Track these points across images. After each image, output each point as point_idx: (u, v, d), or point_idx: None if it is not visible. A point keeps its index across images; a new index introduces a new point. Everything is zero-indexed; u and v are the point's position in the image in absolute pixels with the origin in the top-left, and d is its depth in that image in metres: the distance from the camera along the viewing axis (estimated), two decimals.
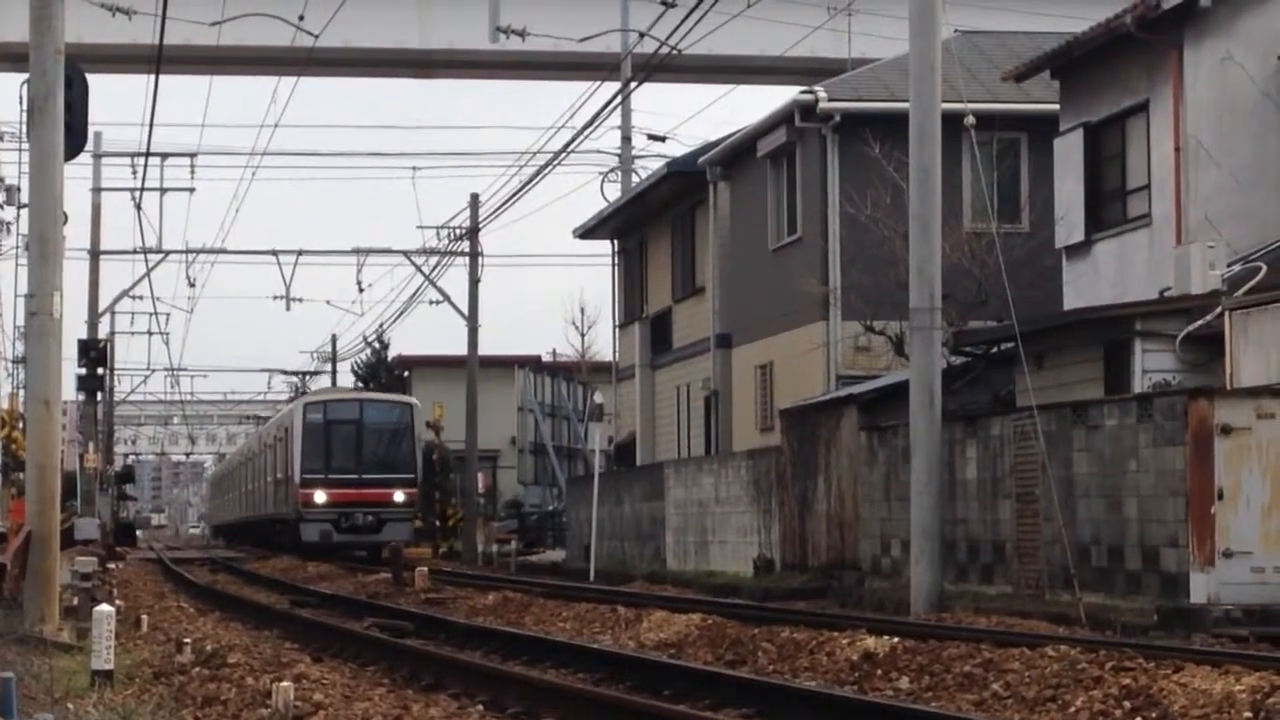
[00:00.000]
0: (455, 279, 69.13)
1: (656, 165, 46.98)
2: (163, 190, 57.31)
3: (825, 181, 34.99)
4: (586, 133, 35.71)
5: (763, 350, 38.33)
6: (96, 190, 61.39)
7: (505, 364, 68.84)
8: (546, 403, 69.25)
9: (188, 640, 18.18)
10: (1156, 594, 20.43)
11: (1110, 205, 29.63)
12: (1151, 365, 24.67)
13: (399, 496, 52.48)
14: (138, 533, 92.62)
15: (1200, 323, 24.35)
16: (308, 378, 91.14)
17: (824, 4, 42.56)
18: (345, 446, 53.11)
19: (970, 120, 24.49)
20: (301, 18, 30.91)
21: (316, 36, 32.30)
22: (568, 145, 38.08)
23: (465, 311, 56.05)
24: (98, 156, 59.95)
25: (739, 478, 34.94)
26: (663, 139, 52.39)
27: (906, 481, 24.57)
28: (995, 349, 28.38)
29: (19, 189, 48.66)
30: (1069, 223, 30.20)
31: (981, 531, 24.34)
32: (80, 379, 52.00)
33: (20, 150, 46.24)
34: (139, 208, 55.50)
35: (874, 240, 32.43)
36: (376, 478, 52.44)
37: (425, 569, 32.16)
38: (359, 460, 52.97)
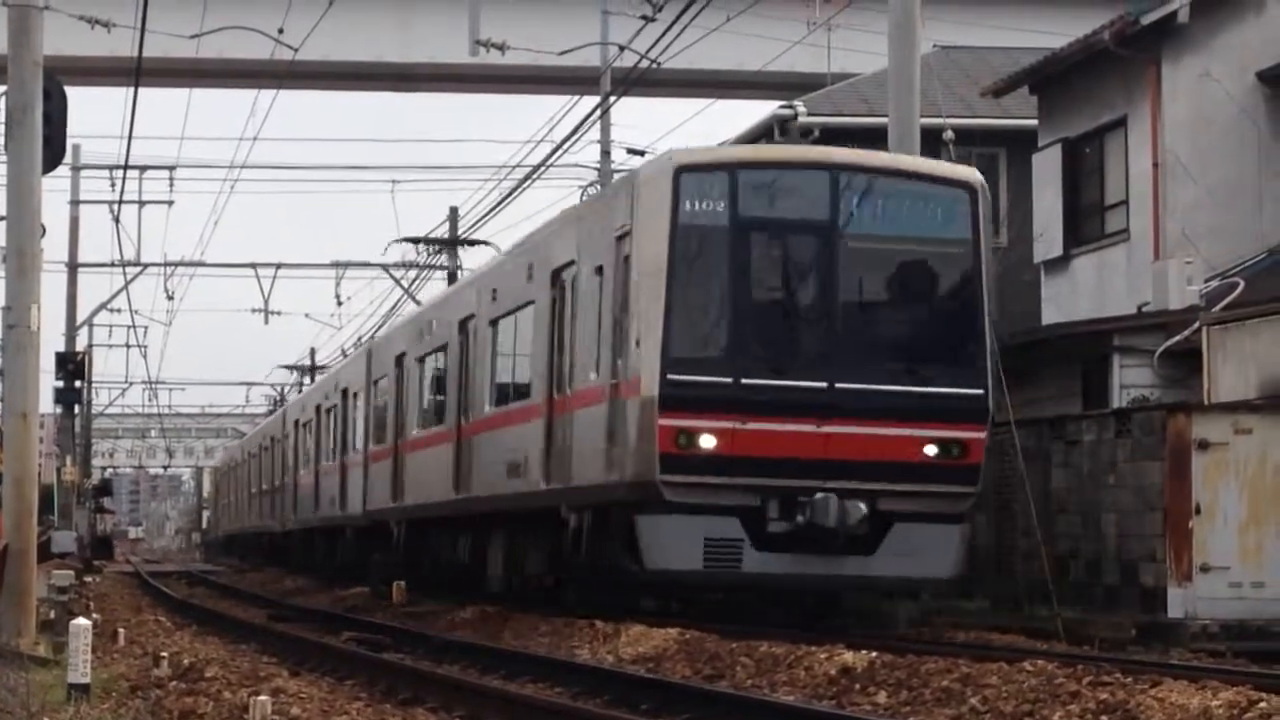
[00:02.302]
0: (435, 292, 68.98)
1: None
2: (141, 203, 57.33)
3: None
4: (566, 147, 35.78)
5: None
6: (75, 203, 61.28)
7: None
8: None
9: (165, 654, 18.13)
10: (1134, 609, 20.45)
11: (1088, 221, 29.70)
12: (1129, 380, 24.73)
13: (933, 450, 20.10)
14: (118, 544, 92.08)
15: (1178, 338, 24.42)
16: (290, 389, 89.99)
17: (803, 19, 42.60)
18: (793, 300, 20.66)
19: (949, 135, 24.52)
20: (281, 30, 30.87)
21: (296, 49, 32.26)
22: (546, 159, 38.13)
23: None
24: (76, 169, 59.85)
25: None
26: (642, 153, 52.32)
27: None
28: None
29: None
30: (1047, 238, 30.26)
31: None
32: (58, 392, 51.80)
33: None
34: (117, 220, 55.46)
35: None
36: (883, 394, 20.20)
37: (403, 582, 32.07)
38: (833, 340, 20.35)
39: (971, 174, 20.92)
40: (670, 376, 19.83)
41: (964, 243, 20.54)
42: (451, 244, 47.37)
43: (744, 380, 19.90)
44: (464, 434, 27.57)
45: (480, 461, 26.51)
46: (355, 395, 38.60)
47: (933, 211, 20.73)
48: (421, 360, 31.56)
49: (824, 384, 19.98)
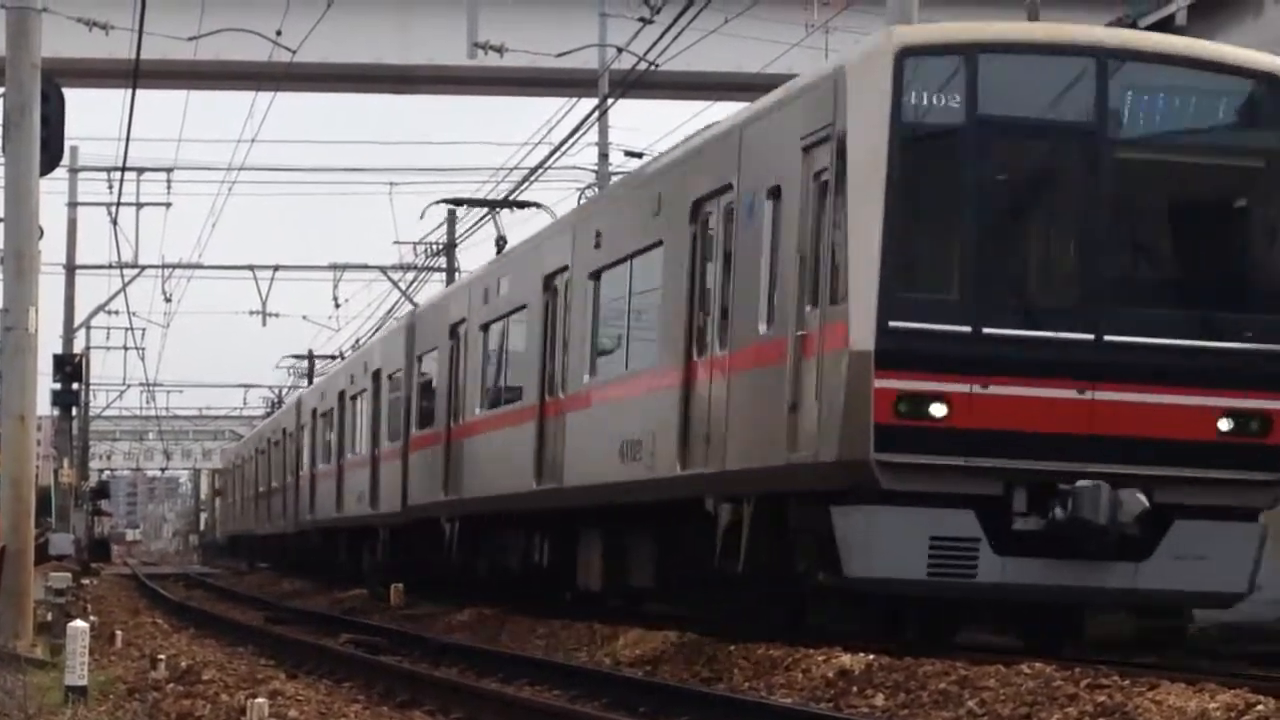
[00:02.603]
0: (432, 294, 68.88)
1: None
2: (139, 205, 57.40)
3: None
4: (563, 149, 35.76)
5: None
6: (72, 205, 61.33)
7: None
8: None
9: (162, 656, 18.15)
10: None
11: None
12: None
13: (1227, 424, 15.58)
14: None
15: None
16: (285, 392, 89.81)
17: (801, 21, 42.64)
18: (1050, 226, 16.23)
19: None
20: (279, 32, 30.93)
21: (294, 51, 32.30)
22: (544, 162, 38.12)
23: None
24: (74, 171, 59.89)
25: None
26: (640, 155, 52.41)
27: None
28: None
29: None
30: None
31: None
32: (55, 394, 51.88)
33: None
34: (115, 222, 55.56)
35: None
36: (1165, 350, 15.62)
37: (401, 585, 32.07)
38: (1101, 280, 15.69)
39: (1273, 64, 16.03)
40: (891, 324, 15.20)
41: (1272, 153, 15.93)
42: (499, 206, 43.13)
43: (986, 330, 15.41)
44: (550, 411, 22.99)
45: (575, 444, 21.94)
46: (391, 376, 34.44)
47: (1232, 111, 16.08)
48: (486, 327, 26.77)
49: (1090, 336, 15.51)
